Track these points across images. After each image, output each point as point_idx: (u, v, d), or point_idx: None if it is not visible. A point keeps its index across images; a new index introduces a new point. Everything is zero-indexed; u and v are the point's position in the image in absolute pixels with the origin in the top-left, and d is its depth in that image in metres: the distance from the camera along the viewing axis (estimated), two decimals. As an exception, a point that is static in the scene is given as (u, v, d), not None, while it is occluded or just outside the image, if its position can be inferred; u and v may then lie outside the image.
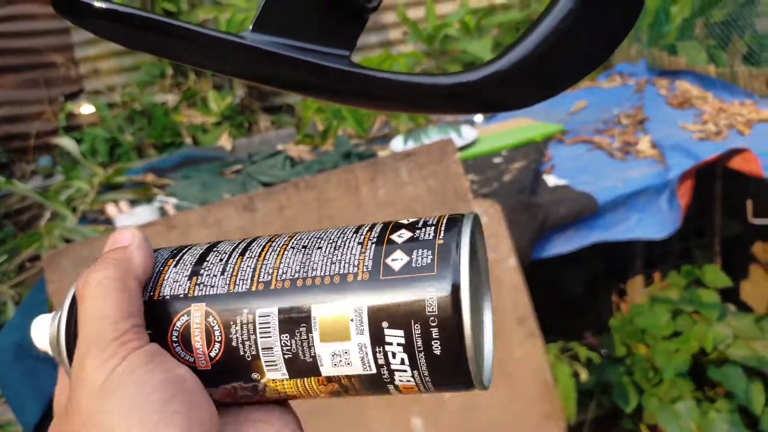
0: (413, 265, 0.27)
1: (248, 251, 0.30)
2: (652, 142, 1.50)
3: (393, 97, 0.34)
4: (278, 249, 0.30)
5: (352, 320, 0.28)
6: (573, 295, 1.75)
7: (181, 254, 0.32)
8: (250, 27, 0.33)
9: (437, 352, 0.27)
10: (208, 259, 0.31)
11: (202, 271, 0.30)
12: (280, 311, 0.28)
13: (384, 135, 1.98)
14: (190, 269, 0.30)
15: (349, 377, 0.28)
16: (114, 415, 0.25)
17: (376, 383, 0.29)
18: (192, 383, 0.28)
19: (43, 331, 0.33)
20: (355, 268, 0.28)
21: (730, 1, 2.17)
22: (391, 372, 0.28)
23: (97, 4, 0.30)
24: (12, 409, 1.25)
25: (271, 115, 3.11)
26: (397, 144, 1.75)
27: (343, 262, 0.28)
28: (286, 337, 0.28)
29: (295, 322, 0.28)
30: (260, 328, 0.28)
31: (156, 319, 0.29)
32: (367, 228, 0.30)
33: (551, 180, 1.39)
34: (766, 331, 1.68)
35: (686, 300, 1.59)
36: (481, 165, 1.54)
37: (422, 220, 0.30)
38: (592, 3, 0.32)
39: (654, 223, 1.28)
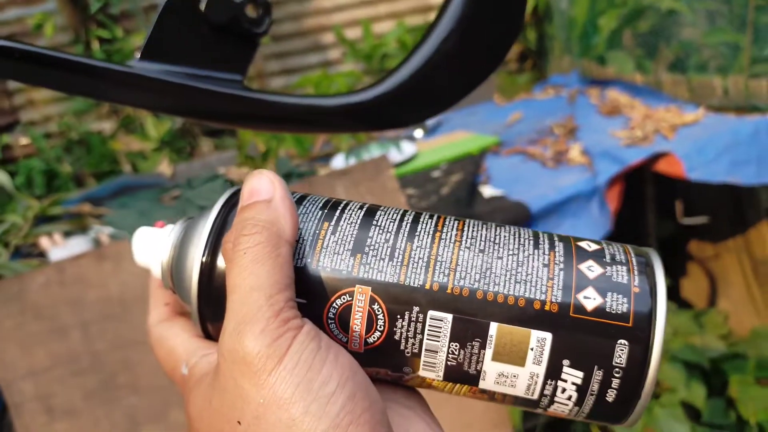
0: (607, 309, 0.26)
1: (416, 237, 0.28)
2: (583, 149, 1.55)
3: (286, 118, 0.35)
4: (450, 244, 0.28)
5: (532, 349, 0.26)
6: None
7: (335, 218, 0.29)
8: (138, 55, 0.33)
9: (609, 399, 0.26)
10: (371, 234, 0.28)
11: (367, 249, 0.28)
12: (455, 319, 0.27)
13: (326, 154, 1.98)
14: (352, 243, 0.28)
15: (504, 395, 0.28)
16: (297, 415, 0.23)
17: (528, 405, 0.28)
18: (361, 373, 0.26)
19: (152, 253, 0.32)
20: (543, 296, 0.27)
21: (653, 13, 2.25)
22: (552, 401, 0.27)
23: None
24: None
25: (214, 138, 3.08)
26: (339, 162, 1.75)
27: (528, 284, 0.27)
28: (456, 346, 0.27)
29: (469, 334, 0.27)
30: (429, 330, 0.27)
31: (312, 290, 0.27)
32: (547, 243, 0.28)
33: (487, 191, 1.42)
34: (704, 326, 1.74)
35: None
36: (420, 179, 1.56)
37: (605, 249, 0.28)
38: (470, 28, 0.34)
39: (585, 228, 1.31)
